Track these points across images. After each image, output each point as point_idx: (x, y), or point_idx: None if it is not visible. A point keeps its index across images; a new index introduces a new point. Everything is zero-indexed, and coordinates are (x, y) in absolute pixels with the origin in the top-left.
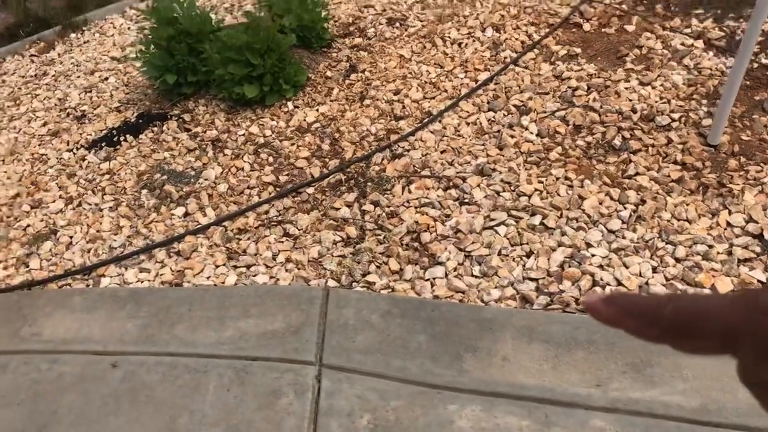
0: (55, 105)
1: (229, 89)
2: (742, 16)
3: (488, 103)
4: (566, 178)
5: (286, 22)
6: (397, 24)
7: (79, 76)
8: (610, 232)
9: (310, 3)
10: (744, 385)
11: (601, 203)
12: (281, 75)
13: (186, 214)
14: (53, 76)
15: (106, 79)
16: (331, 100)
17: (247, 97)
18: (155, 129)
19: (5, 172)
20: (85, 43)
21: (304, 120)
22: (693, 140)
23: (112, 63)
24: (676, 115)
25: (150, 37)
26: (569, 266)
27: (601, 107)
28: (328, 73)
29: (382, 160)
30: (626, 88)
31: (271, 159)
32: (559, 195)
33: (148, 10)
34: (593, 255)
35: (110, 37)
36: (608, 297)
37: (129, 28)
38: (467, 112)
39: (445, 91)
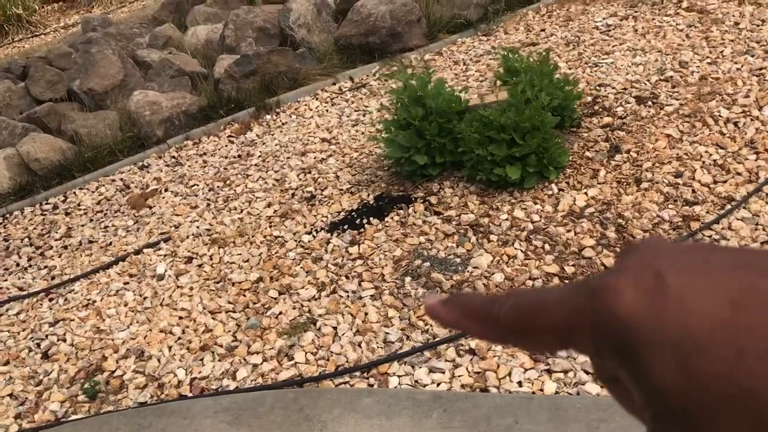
0: (274, 186)
1: (487, 171)
2: None
3: None
4: None
5: (544, 101)
6: (649, 102)
7: (289, 157)
8: None
9: (561, 81)
10: (601, 382)
11: None
12: (545, 156)
13: None
14: (260, 156)
15: (324, 160)
16: (599, 183)
17: (511, 179)
18: (400, 212)
19: (239, 254)
20: (284, 124)
21: (574, 204)
22: None
23: (323, 144)
24: None
25: (397, 116)
26: None
27: None
28: (588, 154)
29: None
30: None
31: (547, 247)
32: None
33: (397, 89)
34: None
35: (309, 119)
36: (447, 298)
37: (327, 110)
38: None
39: (739, 174)
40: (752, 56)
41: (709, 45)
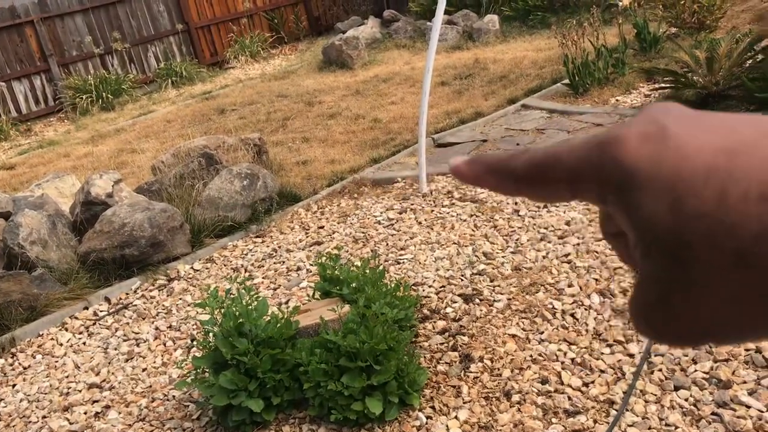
0: None
1: (343, 407)
2: None
3: (666, 379)
4: None
5: (389, 314)
6: (476, 300)
7: (47, 416)
8: None
9: (393, 287)
10: (604, 238)
11: None
12: (405, 379)
13: None
14: (1, 420)
15: (101, 414)
16: (466, 402)
17: (374, 414)
18: None
19: None
20: (26, 369)
21: None
22: None
23: (92, 392)
24: None
25: (218, 351)
26: None
27: None
28: (440, 368)
29: None
30: None
31: None
32: None
33: (212, 318)
34: None
35: (63, 357)
36: (471, 158)
37: (85, 344)
38: (653, 394)
39: (603, 371)
40: (549, 242)
41: (502, 234)
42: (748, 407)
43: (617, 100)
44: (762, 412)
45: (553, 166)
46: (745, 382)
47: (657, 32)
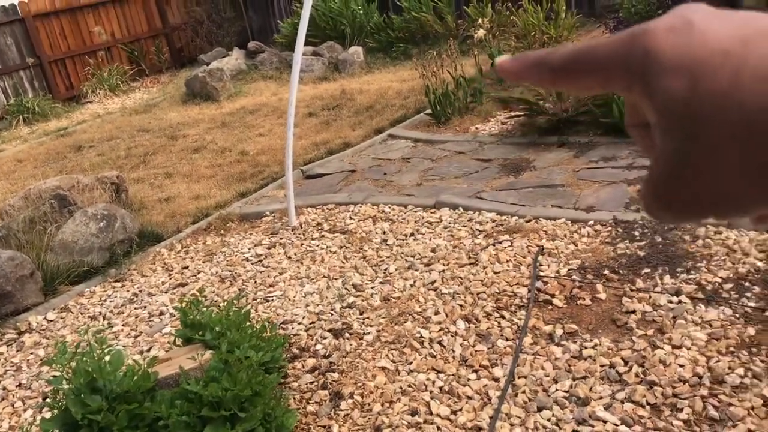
0: None
1: None
2: (685, 268)
3: (529, 401)
4: None
5: (254, 358)
6: (346, 334)
7: None
8: None
9: (259, 329)
10: (628, 130)
11: None
12: (273, 424)
13: None
14: None
15: None
16: None
17: None
18: None
19: None
20: None
21: None
22: None
23: None
24: (740, 371)
25: (68, 411)
26: None
27: (660, 380)
28: (310, 408)
29: None
30: (666, 355)
31: None
32: None
33: (61, 375)
34: None
35: None
36: (515, 56)
37: None
38: (518, 417)
39: (470, 397)
40: (417, 270)
41: (371, 264)
42: (605, 422)
43: (477, 128)
44: (617, 425)
45: (587, 58)
46: (601, 398)
47: None
